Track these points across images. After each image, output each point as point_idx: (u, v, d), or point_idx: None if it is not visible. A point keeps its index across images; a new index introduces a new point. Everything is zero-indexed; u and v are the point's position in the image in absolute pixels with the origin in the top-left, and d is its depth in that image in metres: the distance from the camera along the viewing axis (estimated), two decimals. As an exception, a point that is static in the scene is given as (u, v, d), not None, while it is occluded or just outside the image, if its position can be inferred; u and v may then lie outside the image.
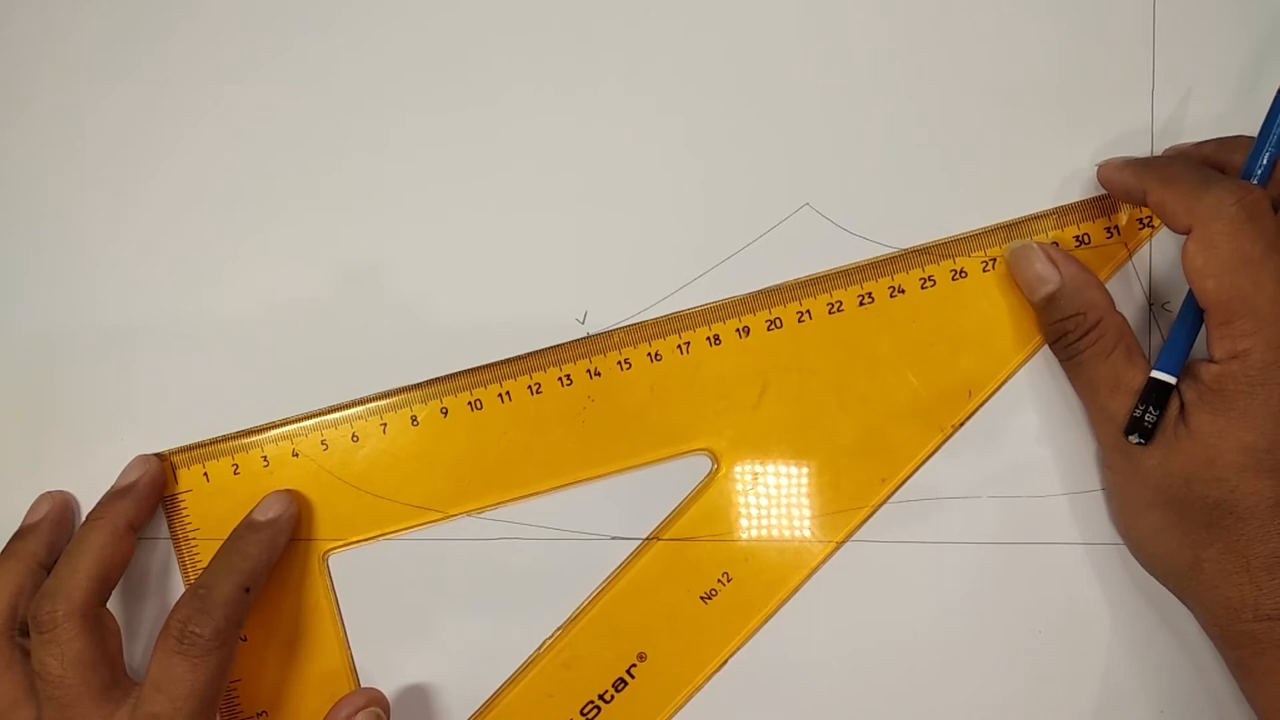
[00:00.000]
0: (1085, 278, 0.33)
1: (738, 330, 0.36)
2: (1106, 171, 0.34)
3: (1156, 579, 0.33)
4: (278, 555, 0.36)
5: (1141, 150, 0.35)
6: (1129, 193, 0.33)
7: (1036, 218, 0.35)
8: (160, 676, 0.32)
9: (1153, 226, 0.35)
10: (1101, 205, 0.35)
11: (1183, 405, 0.31)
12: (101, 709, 0.32)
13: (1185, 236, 0.30)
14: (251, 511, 0.36)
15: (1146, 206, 0.32)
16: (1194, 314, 0.32)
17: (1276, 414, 0.30)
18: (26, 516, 0.37)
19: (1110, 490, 0.35)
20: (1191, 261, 0.30)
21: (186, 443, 0.37)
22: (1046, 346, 0.35)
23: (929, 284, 0.36)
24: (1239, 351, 0.30)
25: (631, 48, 0.36)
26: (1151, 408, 0.31)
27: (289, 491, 0.37)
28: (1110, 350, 0.33)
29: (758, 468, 0.36)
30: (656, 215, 0.36)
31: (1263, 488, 0.30)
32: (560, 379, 0.36)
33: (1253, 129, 0.32)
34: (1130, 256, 0.35)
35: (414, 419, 0.37)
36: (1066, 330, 0.33)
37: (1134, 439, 0.32)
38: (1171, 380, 0.31)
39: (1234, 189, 0.30)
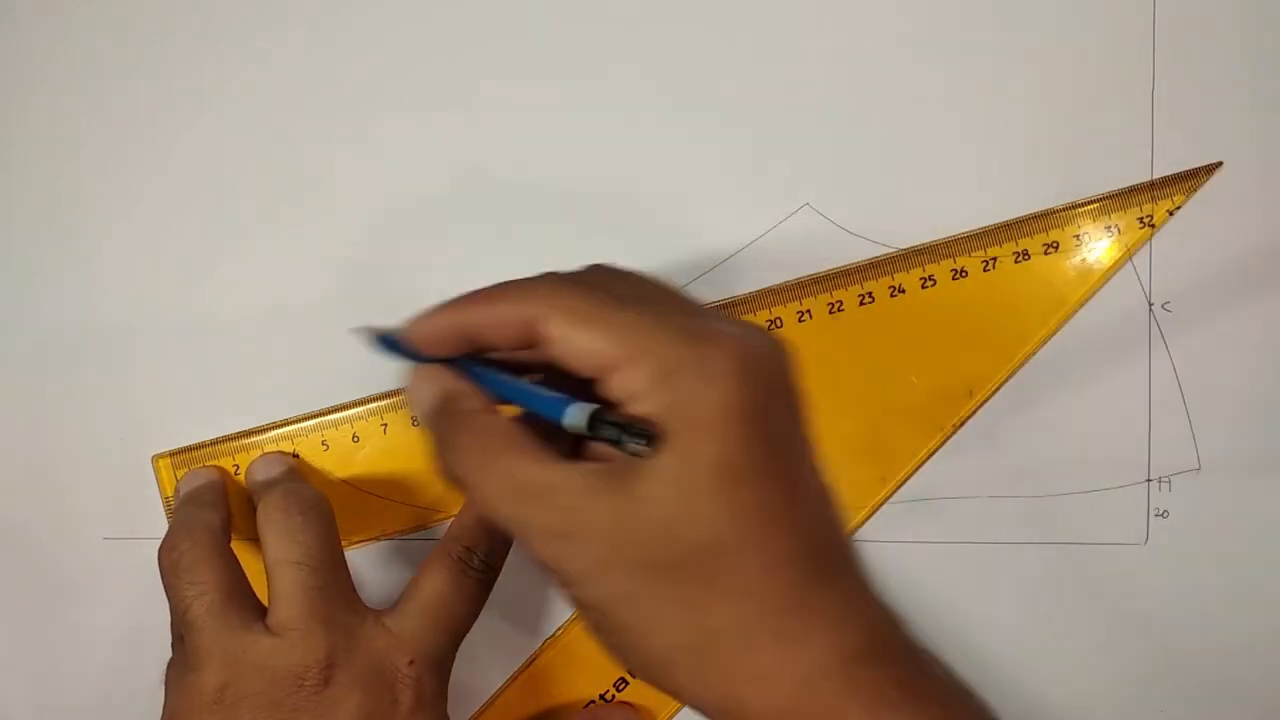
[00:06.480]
0: (464, 389, 0.28)
1: (738, 330, 0.36)
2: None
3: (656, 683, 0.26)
4: None
5: (1142, 148, 0.35)
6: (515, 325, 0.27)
7: (1037, 217, 0.35)
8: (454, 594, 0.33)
9: (1153, 226, 0.35)
10: (1102, 204, 0.35)
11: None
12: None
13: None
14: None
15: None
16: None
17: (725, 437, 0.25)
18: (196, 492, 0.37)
19: (578, 587, 0.26)
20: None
21: (187, 443, 0.37)
22: (1047, 346, 0.35)
23: (929, 284, 0.36)
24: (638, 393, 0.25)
25: (632, 47, 0.36)
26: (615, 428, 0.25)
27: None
28: (500, 453, 0.26)
29: (758, 467, 0.36)
30: (657, 215, 0.36)
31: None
32: (560, 379, 0.36)
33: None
34: (1130, 256, 0.35)
35: (415, 419, 0.37)
36: (449, 442, 0.27)
37: (636, 446, 0.25)
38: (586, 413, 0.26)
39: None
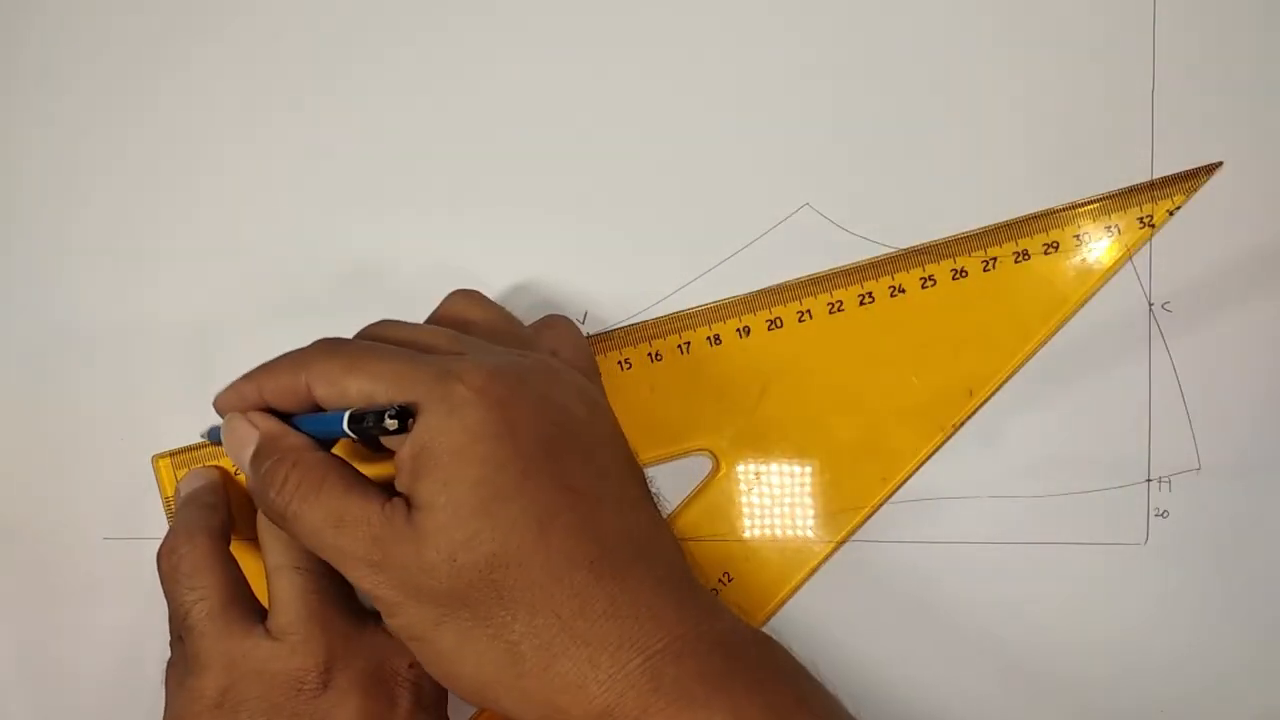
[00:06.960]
0: (282, 429, 0.30)
1: (738, 330, 0.36)
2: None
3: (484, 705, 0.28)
4: None
5: (1142, 148, 0.35)
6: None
7: (1037, 217, 0.35)
8: None
9: (1153, 226, 0.35)
10: (1102, 204, 0.35)
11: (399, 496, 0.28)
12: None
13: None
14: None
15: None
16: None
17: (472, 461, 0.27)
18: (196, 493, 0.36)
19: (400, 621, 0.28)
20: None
21: (187, 443, 0.37)
22: (1047, 346, 0.35)
23: (929, 284, 0.36)
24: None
25: (631, 47, 0.36)
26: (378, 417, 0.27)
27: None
28: (319, 485, 0.28)
29: (758, 467, 0.36)
30: (656, 215, 0.36)
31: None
32: (560, 379, 0.36)
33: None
34: (1130, 256, 0.35)
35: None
36: (272, 479, 0.29)
37: (390, 423, 0.27)
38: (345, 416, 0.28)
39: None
